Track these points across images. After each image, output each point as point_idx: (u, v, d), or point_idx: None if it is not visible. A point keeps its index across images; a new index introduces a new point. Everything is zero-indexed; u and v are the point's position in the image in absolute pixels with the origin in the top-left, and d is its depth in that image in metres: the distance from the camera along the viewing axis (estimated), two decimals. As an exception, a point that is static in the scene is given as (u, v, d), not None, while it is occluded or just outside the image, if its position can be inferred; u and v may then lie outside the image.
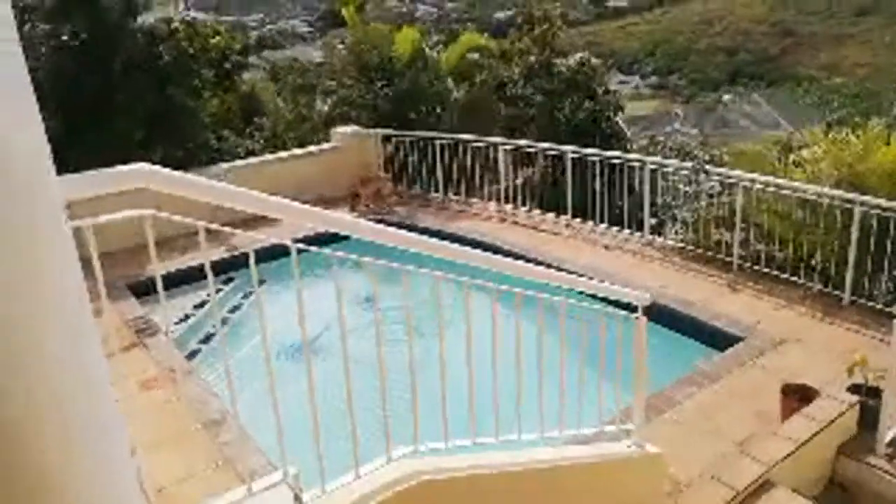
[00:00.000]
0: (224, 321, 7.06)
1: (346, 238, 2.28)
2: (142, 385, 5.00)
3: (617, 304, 3.25)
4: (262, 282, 7.57)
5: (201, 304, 7.24)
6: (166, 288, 2.13)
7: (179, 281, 6.44)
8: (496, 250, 7.85)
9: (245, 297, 7.60)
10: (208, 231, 2.00)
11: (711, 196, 7.55)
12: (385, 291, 2.69)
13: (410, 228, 8.71)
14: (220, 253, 7.54)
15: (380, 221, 9.05)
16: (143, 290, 6.78)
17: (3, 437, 1.03)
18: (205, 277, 2.06)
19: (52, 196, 1.12)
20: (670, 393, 5.00)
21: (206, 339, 6.79)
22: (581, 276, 6.53)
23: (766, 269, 6.76)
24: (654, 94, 53.61)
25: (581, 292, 3.19)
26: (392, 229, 2.34)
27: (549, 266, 7.01)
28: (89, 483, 1.14)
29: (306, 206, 2.12)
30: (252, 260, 2.10)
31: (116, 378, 5.18)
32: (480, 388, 2.63)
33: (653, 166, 7.97)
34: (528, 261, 7.27)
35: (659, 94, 53.42)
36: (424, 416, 2.52)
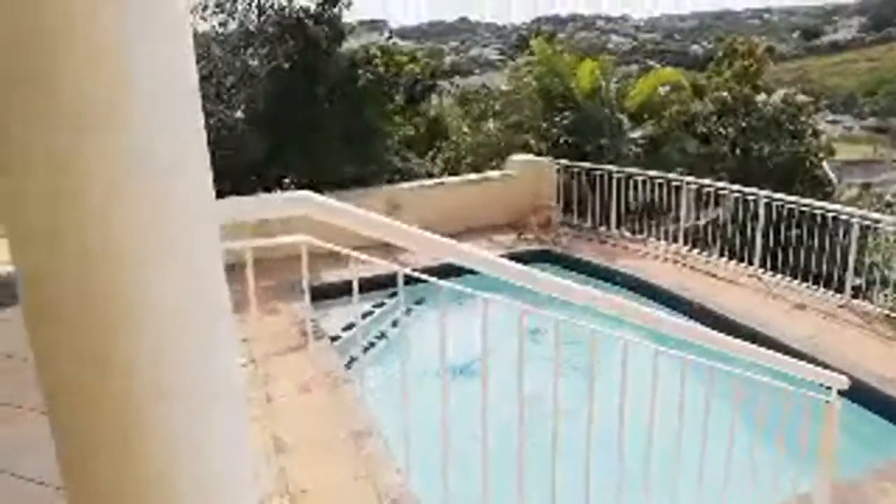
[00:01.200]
0: (383, 334, 7.29)
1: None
2: (300, 387, 5.28)
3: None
4: (420, 301, 7.62)
5: (366, 315, 7.54)
6: (338, 296, 2.24)
7: (349, 290, 6.76)
8: (667, 295, 7.36)
9: (407, 312, 7.81)
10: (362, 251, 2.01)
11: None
12: (538, 325, 2.57)
13: (579, 265, 8.50)
14: (389, 267, 7.84)
15: (545, 252, 8.95)
16: (317, 295, 7.21)
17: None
18: (374, 289, 2.13)
19: (207, 218, 1.14)
20: (858, 485, 4.30)
21: (366, 349, 7.05)
22: (765, 338, 6.00)
23: None
24: (871, 137, 48.16)
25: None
26: (545, 276, 2.19)
27: (729, 323, 6.44)
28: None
29: (461, 245, 2.07)
30: (400, 282, 2.10)
31: (279, 376, 5.54)
32: (633, 454, 2.40)
33: (864, 221, 7.02)
34: (709, 313, 6.75)
35: (876, 138, 47.90)
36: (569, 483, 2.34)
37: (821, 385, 2.71)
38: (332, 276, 7.41)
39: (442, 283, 2.24)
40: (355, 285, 2.09)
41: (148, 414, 1.08)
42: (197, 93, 1.09)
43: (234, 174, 8.78)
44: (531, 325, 2.76)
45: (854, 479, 4.35)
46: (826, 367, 4.36)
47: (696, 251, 8.68)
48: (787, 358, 2.60)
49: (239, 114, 9.52)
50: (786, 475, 3.00)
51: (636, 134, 10.75)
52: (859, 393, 5.42)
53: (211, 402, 1.17)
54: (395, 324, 7.61)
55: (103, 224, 0.98)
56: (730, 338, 2.48)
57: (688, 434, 2.57)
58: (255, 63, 9.65)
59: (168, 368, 1.08)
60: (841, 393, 5.35)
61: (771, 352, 2.53)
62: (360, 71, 9.94)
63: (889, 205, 8.74)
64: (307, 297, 2.01)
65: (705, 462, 2.63)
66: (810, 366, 2.62)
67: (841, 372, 5.51)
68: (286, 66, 9.66)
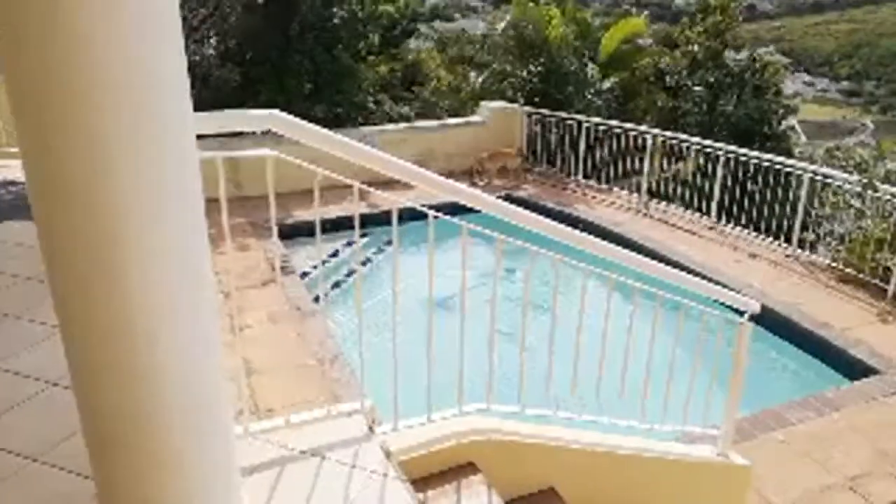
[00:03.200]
0: (353, 272, 7.52)
1: (475, 211, 2.38)
2: (270, 317, 5.51)
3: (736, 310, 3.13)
4: (389, 242, 7.87)
5: (335, 254, 7.76)
6: (309, 234, 2.38)
7: (322, 229, 6.96)
8: (627, 242, 7.68)
9: (377, 252, 8.04)
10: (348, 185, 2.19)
11: (883, 216, 6.84)
12: (513, 265, 2.79)
13: (538, 208, 8.76)
14: (360, 208, 8.01)
15: (506, 198, 9.17)
16: (288, 233, 7.38)
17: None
18: (343, 229, 2.29)
19: (184, 122, 1.33)
20: (784, 412, 4.72)
21: (336, 284, 7.30)
22: (707, 278, 6.33)
23: (927, 304, 6.07)
24: (846, 101, 48.67)
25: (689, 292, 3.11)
26: (518, 209, 2.40)
27: (681, 268, 6.78)
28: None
29: (429, 174, 2.24)
30: (395, 218, 2.28)
31: (251, 307, 5.74)
32: (565, 364, 2.69)
33: (812, 175, 7.36)
34: (662, 258, 7.09)
35: (850, 102, 48.43)
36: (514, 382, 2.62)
37: (739, 311, 3.02)
38: (303, 214, 7.61)
39: (461, 221, 2.36)
40: (317, 221, 2.27)
41: (141, 322, 1.28)
42: (177, 16, 1.27)
43: (203, 109, 8.78)
44: (506, 265, 2.99)
45: (779, 406, 4.77)
46: (769, 310, 4.72)
47: (658, 202, 8.99)
48: (707, 283, 2.90)
49: (210, 50, 9.45)
50: (709, 393, 3.32)
51: (606, 85, 10.90)
52: (794, 334, 5.88)
53: (191, 317, 1.38)
54: (365, 262, 7.84)
55: (90, 134, 1.16)
56: (662, 265, 2.76)
57: (625, 357, 2.87)
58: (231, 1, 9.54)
59: (154, 277, 1.27)
60: (777, 334, 5.73)
61: (696, 278, 2.82)
62: (334, 9, 9.87)
63: (857, 165, 9.05)
64: (272, 213, 2.17)
65: (638, 382, 2.94)
66: (726, 290, 2.91)
67: (780, 315, 5.93)
68: (259, 1, 9.57)
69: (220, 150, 2.03)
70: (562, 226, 2.52)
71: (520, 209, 2.42)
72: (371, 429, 2.29)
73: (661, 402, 3.00)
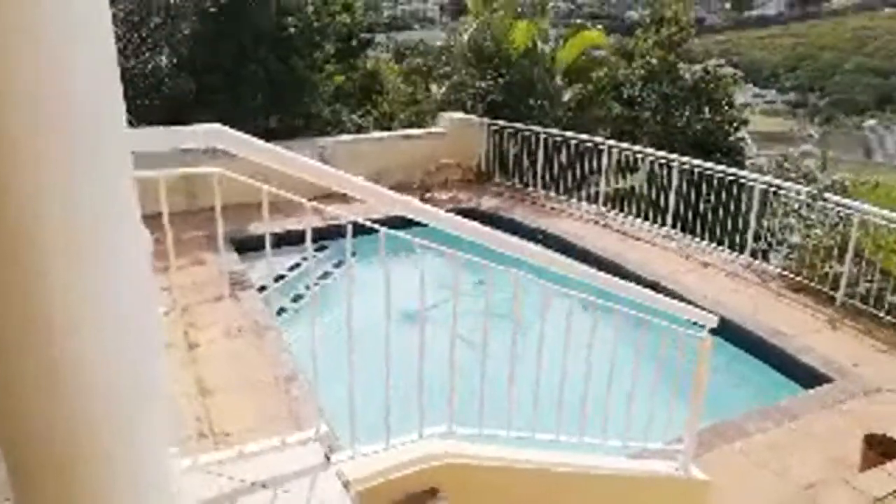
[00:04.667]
0: (310, 286, 7.39)
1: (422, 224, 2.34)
2: (226, 333, 5.35)
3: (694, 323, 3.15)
4: (353, 254, 7.77)
5: (294, 267, 7.61)
6: (264, 248, 2.32)
7: (278, 242, 6.82)
8: (585, 253, 7.73)
9: (336, 265, 7.91)
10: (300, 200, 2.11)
11: (831, 226, 7.04)
12: (468, 279, 2.75)
13: (499, 221, 8.77)
14: (316, 222, 7.88)
15: (471, 210, 9.15)
16: (244, 247, 7.21)
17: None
18: (302, 242, 2.22)
19: (116, 143, 1.24)
20: (742, 423, 4.78)
21: (295, 299, 7.15)
22: (663, 288, 6.45)
23: (873, 310, 6.25)
24: (791, 111, 50.33)
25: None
26: (469, 223, 2.36)
27: (637, 278, 6.85)
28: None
29: (378, 188, 2.19)
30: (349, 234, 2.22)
31: (205, 324, 5.56)
32: (528, 385, 2.65)
33: (764, 186, 7.54)
34: (618, 269, 7.16)
35: (796, 113, 50.10)
36: (472, 402, 2.57)
37: (699, 325, 3.03)
38: (260, 227, 7.43)
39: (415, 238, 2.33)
40: (267, 236, 2.19)
41: (66, 345, 1.18)
42: (108, 24, 1.19)
43: (157, 120, 8.55)
44: (474, 278, 2.95)
45: (737, 416, 4.82)
46: (722, 319, 4.79)
47: (615, 212, 9.10)
48: (667, 298, 2.90)
49: (163, 58, 9.22)
50: (667, 408, 3.33)
51: (566, 97, 11.01)
52: (748, 343, 5.98)
53: (124, 339, 1.28)
54: (325, 275, 7.71)
55: (14, 150, 1.07)
56: (620, 280, 2.75)
57: (587, 375, 2.85)
58: (180, 4, 9.32)
59: (77, 295, 1.18)
60: (732, 342, 5.80)
61: (652, 292, 2.82)
62: (289, 18, 9.74)
63: (805, 175, 9.31)
64: (220, 232, 2.09)
65: (597, 398, 2.92)
66: (687, 305, 2.92)
67: (732, 324, 6.02)
68: (212, 10, 9.38)
69: (174, 162, 1.94)
70: (518, 240, 2.49)
71: (470, 223, 2.40)
72: (328, 457, 2.21)
73: (623, 418, 2.98)
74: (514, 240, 2.46)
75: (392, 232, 2.30)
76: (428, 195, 9.35)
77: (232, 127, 1.86)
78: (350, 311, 2.28)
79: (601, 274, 2.57)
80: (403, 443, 2.40)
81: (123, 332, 1.27)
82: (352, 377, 2.28)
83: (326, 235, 7.85)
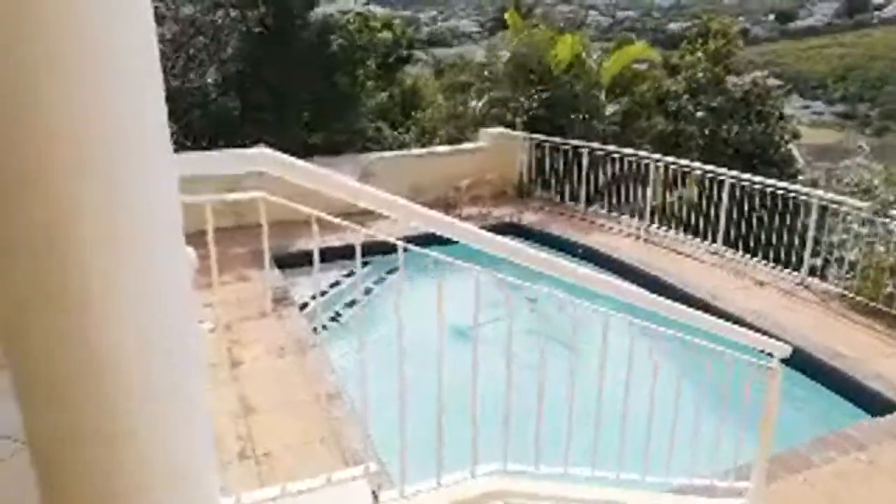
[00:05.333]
0: (354, 302, 7.35)
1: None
2: (268, 351, 5.31)
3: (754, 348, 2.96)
4: (393, 270, 7.66)
5: (336, 283, 7.58)
6: (308, 264, 2.27)
7: (321, 258, 6.80)
8: (630, 270, 7.52)
9: (377, 282, 7.85)
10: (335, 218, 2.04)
11: (891, 241, 6.70)
12: (520, 297, 2.62)
13: (544, 237, 8.61)
14: (360, 238, 7.85)
15: (512, 225, 9.00)
16: (286, 263, 7.21)
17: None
18: (344, 258, 2.19)
19: (162, 168, 1.17)
20: (806, 452, 4.51)
21: (335, 317, 7.11)
22: (715, 308, 6.20)
23: (945, 334, 5.89)
24: (840, 123, 48.95)
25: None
26: (520, 246, 2.25)
27: (687, 297, 6.61)
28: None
29: (418, 207, 2.11)
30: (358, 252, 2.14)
31: (250, 340, 5.55)
32: (585, 417, 2.50)
33: (824, 203, 7.23)
34: (666, 286, 6.93)
35: (845, 124, 48.71)
36: (524, 436, 2.43)
37: (767, 354, 2.84)
38: (304, 244, 7.41)
39: (402, 244, 2.26)
40: (316, 254, 2.12)
41: (111, 366, 1.11)
42: (154, 48, 1.12)
43: (203, 136, 8.68)
44: (530, 295, 2.82)
45: (800, 445, 4.56)
46: (781, 341, 4.55)
47: (661, 228, 8.86)
48: (734, 326, 2.72)
49: (209, 77, 9.36)
50: (731, 441, 3.14)
51: (610, 110, 10.83)
52: (808, 366, 5.68)
53: (167, 366, 1.21)
54: (367, 292, 7.66)
55: (64, 175, 1.01)
56: (683, 306, 2.59)
57: (637, 399, 2.69)
58: (226, 25, 9.48)
59: (123, 313, 1.11)
60: (790, 364, 5.55)
61: (719, 320, 2.65)
62: (332, 37, 9.81)
63: (847, 185, 8.96)
64: (266, 256, 2.03)
65: (653, 427, 2.75)
66: (755, 334, 2.74)
67: (792, 346, 5.74)
68: (257, 29, 9.51)
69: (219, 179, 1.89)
70: (572, 264, 2.35)
71: (521, 246, 2.29)
72: (375, 496, 2.10)
73: (686, 453, 2.80)
74: (571, 265, 2.33)
75: (423, 251, 2.21)
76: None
77: (276, 143, 1.81)
78: (401, 353, 2.16)
79: (666, 301, 2.41)
80: (457, 481, 2.27)
81: (165, 338, 1.19)
82: (402, 416, 2.17)
83: (367, 252, 7.83)
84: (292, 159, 1.77)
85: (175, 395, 1.25)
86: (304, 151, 9.30)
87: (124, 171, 1.07)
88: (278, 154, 1.73)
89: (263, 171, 1.74)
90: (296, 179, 1.78)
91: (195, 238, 1.63)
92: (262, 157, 1.71)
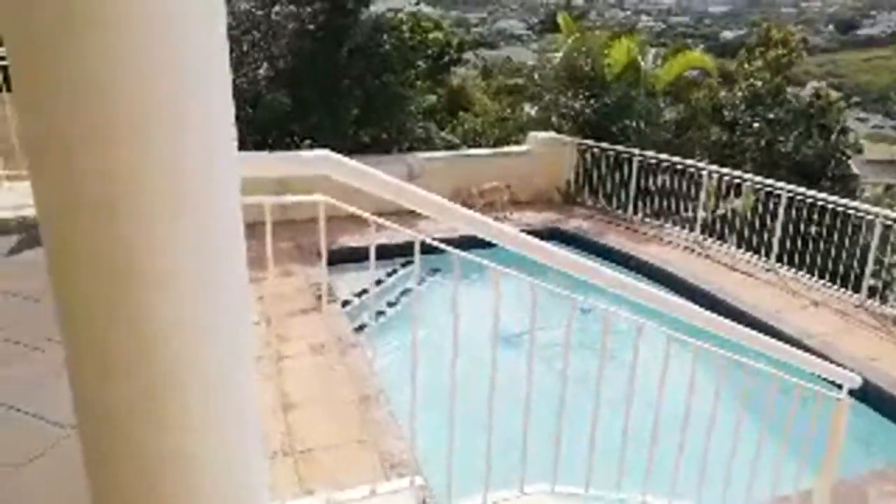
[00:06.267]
0: (396, 302, 7.33)
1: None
2: (311, 348, 5.32)
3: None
4: (435, 271, 7.57)
5: (378, 282, 7.56)
6: (353, 261, 2.25)
7: (364, 256, 6.79)
8: (682, 284, 7.32)
9: (420, 282, 7.82)
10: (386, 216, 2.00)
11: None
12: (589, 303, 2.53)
13: (590, 244, 8.45)
14: (404, 236, 7.84)
15: (556, 230, 8.85)
16: (332, 259, 7.21)
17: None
18: (391, 256, 2.15)
19: (227, 168, 1.14)
20: (861, 485, 4.31)
21: (378, 315, 7.09)
22: (769, 327, 5.98)
23: None
24: (900, 137, 47.14)
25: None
26: (566, 254, 2.17)
27: (740, 314, 6.40)
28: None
29: (472, 213, 2.05)
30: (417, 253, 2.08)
31: (292, 336, 5.57)
32: (638, 438, 2.40)
33: (888, 222, 6.91)
34: (718, 303, 6.72)
35: (905, 139, 46.90)
36: (574, 455, 2.35)
37: (831, 382, 2.69)
38: (348, 240, 7.41)
39: (460, 253, 2.22)
40: (372, 252, 2.08)
41: (161, 361, 1.08)
42: (225, 48, 1.08)
43: (255, 132, 8.77)
44: (584, 306, 2.74)
45: (857, 480, 4.35)
46: (837, 365, 4.35)
47: (712, 241, 8.61)
48: (802, 353, 2.58)
49: (262, 71, 9.46)
50: (788, 470, 3.00)
51: (666, 118, 10.59)
52: (867, 393, 5.42)
53: (223, 362, 1.18)
54: (406, 292, 7.63)
55: (127, 171, 0.98)
56: (748, 329, 2.47)
57: (696, 423, 2.58)
58: (280, 20, 9.56)
59: (183, 325, 1.08)
60: (851, 393, 5.33)
61: (787, 346, 2.52)
62: (384, 36, 9.82)
63: None
64: (324, 259, 2.00)
65: (710, 451, 2.64)
66: (824, 362, 2.60)
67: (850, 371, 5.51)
68: (311, 26, 9.57)
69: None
70: (632, 281, 2.26)
71: (565, 252, 2.21)
72: (422, 508, 2.05)
73: (744, 481, 2.68)
74: (643, 286, 2.23)
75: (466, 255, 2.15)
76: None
77: (327, 140, 1.79)
78: (453, 381, 2.10)
79: (734, 325, 2.29)
80: (505, 499, 2.20)
81: (220, 327, 1.16)
82: (451, 436, 2.11)
83: (411, 251, 7.81)
84: (355, 163, 1.73)
85: (227, 385, 1.21)
86: (354, 149, 9.33)
87: (191, 167, 1.03)
88: (343, 158, 1.69)
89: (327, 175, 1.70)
90: (356, 183, 1.73)
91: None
92: (326, 161, 1.67)
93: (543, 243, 2.15)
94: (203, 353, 1.15)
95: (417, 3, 12.96)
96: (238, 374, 1.24)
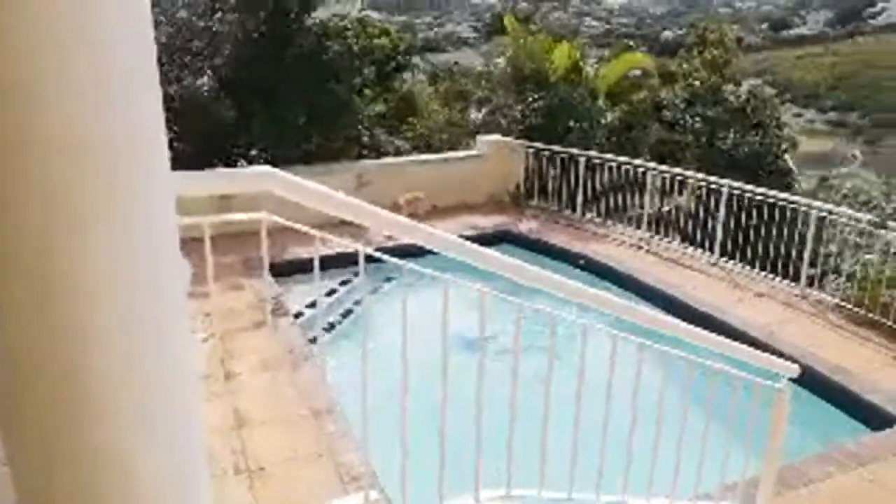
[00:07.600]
0: (348, 312, 7.26)
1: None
2: (261, 364, 5.23)
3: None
4: (388, 279, 7.54)
5: (331, 293, 7.49)
6: (304, 272, 2.22)
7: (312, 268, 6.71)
8: (630, 280, 7.47)
9: (372, 292, 7.77)
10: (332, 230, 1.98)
11: (893, 254, 6.66)
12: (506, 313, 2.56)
13: (540, 245, 8.56)
14: (354, 246, 7.78)
15: (507, 233, 8.93)
16: (279, 272, 7.10)
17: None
18: (345, 265, 2.15)
19: (161, 188, 1.11)
20: (804, 468, 4.46)
21: (330, 327, 7.01)
22: (715, 320, 6.15)
23: (945, 347, 5.87)
24: (832, 131, 49.17)
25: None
26: (514, 261, 2.20)
27: (686, 308, 6.57)
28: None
29: (413, 223, 2.06)
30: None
31: (240, 352, 5.46)
32: (589, 436, 2.44)
33: (823, 214, 7.20)
34: (665, 298, 6.88)
35: (837, 133, 48.95)
36: (526, 458, 2.37)
37: (774, 372, 2.79)
38: (300, 251, 7.31)
39: (406, 263, 2.22)
40: (316, 265, 2.07)
41: (98, 388, 1.05)
42: (154, 63, 1.05)
43: (198, 142, 8.57)
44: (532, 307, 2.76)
45: (800, 463, 4.51)
46: (780, 355, 4.50)
47: (658, 237, 8.82)
48: (740, 345, 2.67)
49: (204, 80, 9.26)
50: (736, 459, 3.08)
51: (609, 118, 10.81)
52: (807, 379, 5.63)
53: (162, 377, 1.15)
54: (358, 302, 7.56)
55: (54, 194, 0.95)
56: (687, 325, 2.53)
57: (644, 419, 2.63)
58: (222, 29, 9.38)
59: (118, 340, 1.05)
60: (793, 380, 5.52)
61: (726, 339, 2.60)
62: (329, 43, 9.74)
63: (846, 196, 8.98)
64: (266, 273, 1.98)
65: (659, 446, 2.69)
66: (764, 354, 2.69)
67: (791, 359, 5.71)
68: (254, 34, 9.42)
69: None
70: (565, 279, 2.30)
71: (513, 260, 2.24)
72: (377, 521, 2.03)
73: (691, 475, 2.74)
74: (582, 287, 2.26)
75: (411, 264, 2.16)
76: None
77: (273, 149, 1.77)
78: (404, 390, 2.10)
79: (682, 323, 2.35)
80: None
81: (157, 353, 1.13)
82: (405, 448, 2.10)
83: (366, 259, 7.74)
84: (299, 179, 1.71)
85: (166, 410, 1.18)
86: (301, 158, 9.21)
87: (120, 185, 1.00)
88: (287, 175, 1.67)
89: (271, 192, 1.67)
90: (302, 201, 1.72)
91: (186, 243, 1.57)
92: (271, 178, 1.64)
93: (482, 248, 2.18)
94: (137, 377, 1.11)
95: (363, 9, 12.89)
96: (179, 388, 1.21)
